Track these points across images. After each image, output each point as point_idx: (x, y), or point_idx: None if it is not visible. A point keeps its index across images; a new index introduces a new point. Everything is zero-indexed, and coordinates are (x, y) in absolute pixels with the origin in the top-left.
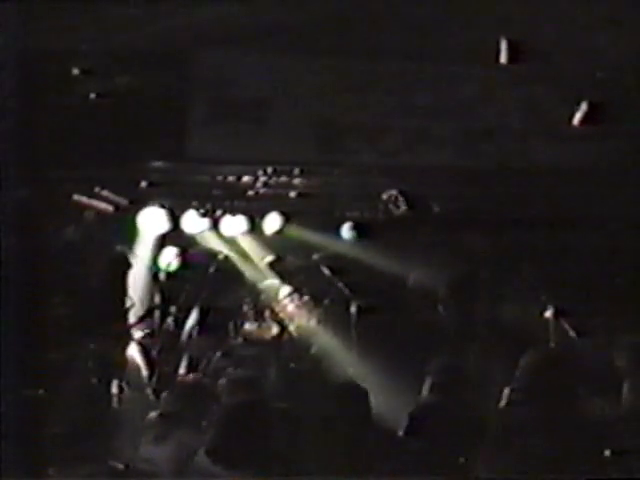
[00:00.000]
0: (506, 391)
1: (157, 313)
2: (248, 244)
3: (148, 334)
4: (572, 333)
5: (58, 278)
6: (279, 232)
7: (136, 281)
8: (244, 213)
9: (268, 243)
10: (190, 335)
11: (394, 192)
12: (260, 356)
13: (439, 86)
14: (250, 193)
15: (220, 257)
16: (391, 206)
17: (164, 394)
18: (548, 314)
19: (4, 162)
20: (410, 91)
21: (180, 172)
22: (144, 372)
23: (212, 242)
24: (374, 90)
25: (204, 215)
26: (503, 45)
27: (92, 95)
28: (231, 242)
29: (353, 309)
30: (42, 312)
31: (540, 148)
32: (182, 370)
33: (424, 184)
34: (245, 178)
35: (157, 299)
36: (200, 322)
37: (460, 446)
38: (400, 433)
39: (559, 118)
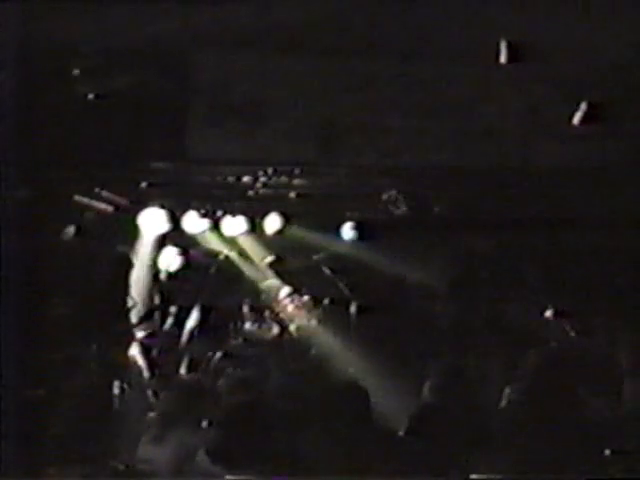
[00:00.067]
0: (506, 391)
1: (157, 313)
2: (248, 244)
3: (150, 334)
4: (572, 333)
5: (58, 278)
6: (279, 232)
7: (137, 281)
8: (244, 213)
9: (268, 243)
10: (190, 335)
11: (394, 192)
12: (260, 356)
13: (439, 86)
14: (250, 193)
15: (220, 257)
16: (391, 206)
17: (164, 394)
18: (548, 314)
19: (4, 162)
20: (410, 91)
21: (180, 172)
22: (145, 372)
23: (212, 242)
24: (374, 90)
25: (204, 215)
26: (503, 45)
27: (92, 95)
28: (231, 242)
29: (353, 309)
30: (42, 312)
31: (540, 148)
32: (182, 370)
33: (424, 184)
34: (245, 178)
35: (157, 299)
36: (200, 322)
37: (460, 446)
38: (400, 433)
39: (559, 118)
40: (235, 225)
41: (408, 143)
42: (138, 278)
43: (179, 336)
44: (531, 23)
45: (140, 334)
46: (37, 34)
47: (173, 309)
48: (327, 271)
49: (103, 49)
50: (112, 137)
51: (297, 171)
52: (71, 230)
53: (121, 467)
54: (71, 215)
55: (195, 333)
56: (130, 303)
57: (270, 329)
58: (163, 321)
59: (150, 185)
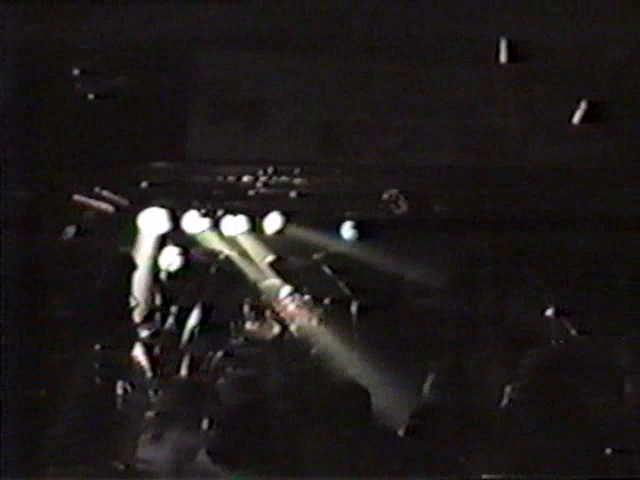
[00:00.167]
0: (507, 390)
1: (158, 313)
2: (249, 244)
3: (153, 333)
4: (573, 332)
5: (58, 278)
6: (280, 232)
7: (139, 281)
8: (244, 213)
9: (269, 243)
10: (191, 335)
11: (394, 192)
12: (261, 356)
13: (439, 86)
14: (250, 193)
15: (221, 257)
16: (391, 206)
17: (165, 394)
18: (549, 313)
19: (4, 162)
20: (410, 91)
21: (180, 172)
22: (148, 372)
23: (213, 242)
24: (374, 90)
25: (205, 215)
26: (503, 45)
27: (92, 95)
28: (232, 242)
29: (354, 309)
30: (42, 312)
31: (540, 148)
32: (183, 370)
33: (424, 184)
34: (245, 178)
35: (158, 299)
36: (201, 322)
37: (460, 446)
38: (400, 433)
39: (559, 118)
40: (235, 225)
41: (408, 143)
42: (140, 278)
43: (180, 336)
44: (531, 23)
45: (144, 333)
46: (37, 34)
47: (174, 309)
48: (327, 271)
49: (103, 49)
50: (112, 137)
51: (297, 171)
52: (71, 230)
53: (121, 467)
54: (71, 215)
55: (196, 333)
56: (133, 303)
57: (271, 329)
58: (164, 321)
59: (150, 185)
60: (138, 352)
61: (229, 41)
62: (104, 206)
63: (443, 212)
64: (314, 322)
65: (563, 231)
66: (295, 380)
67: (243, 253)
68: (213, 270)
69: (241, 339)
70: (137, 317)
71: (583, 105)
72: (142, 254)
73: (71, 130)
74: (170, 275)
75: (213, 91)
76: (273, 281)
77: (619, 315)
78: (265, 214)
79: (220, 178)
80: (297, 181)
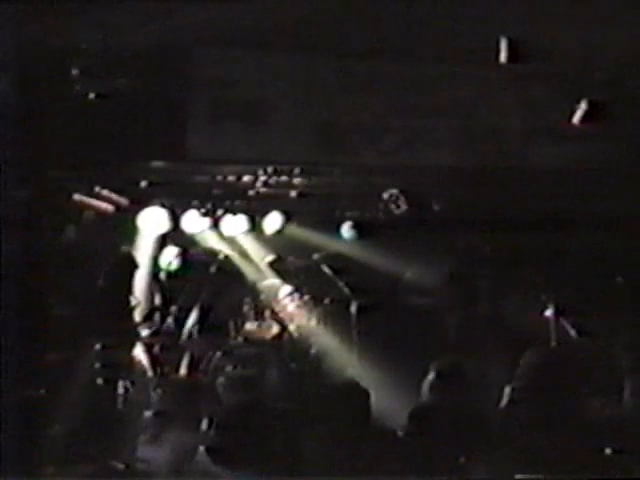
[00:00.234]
0: (507, 391)
1: (158, 313)
2: (248, 244)
3: (154, 333)
4: (572, 333)
5: (58, 278)
6: (279, 232)
7: (140, 280)
8: (244, 213)
9: (268, 243)
10: (190, 334)
11: (394, 192)
12: (260, 356)
13: (439, 86)
14: (250, 193)
15: (220, 257)
16: (391, 206)
17: (164, 394)
18: (548, 313)
19: (4, 162)
20: (410, 91)
21: (180, 172)
22: (149, 372)
23: (212, 242)
24: (374, 90)
25: (205, 215)
26: (503, 45)
27: (92, 95)
28: (231, 242)
29: (353, 309)
30: (42, 312)
31: (540, 148)
32: (182, 370)
33: (424, 184)
34: (245, 178)
35: (158, 299)
36: (200, 321)
37: (460, 446)
38: (400, 433)
39: (559, 118)
40: (235, 224)
41: (408, 143)
42: (141, 277)
43: (179, 336)
44: (531, 23)
45: (145, 332)
46: (37, 34)
47: (173, 308)
48: (327, 270)
49: (103, 49)
50: (112, 137)
51: (297, 171)
52: (71, 230)
53: (121, 467)
54: (71, 215)
55: (195, 332)
56: (134, 302)
57: (270, 328)
58: (163, 321)
59: (150, 184)
60: (139, 351)
61: (229, 41)
62: (104, 206)
63: (443, 212)
64: (313, 322)
65: (563, 231)
66: (294, 380)
67: (243, 253)
68: (213, 270)
69: (240, 339)
70: (138, 316)
71: (583, 105)
72: (142, 253)
73: (71, 130)
74: (170, 275)
75: (213, 91)
76: (273, 281)
77: (619, 316)
78: (265, 214)
79: (220, 178)
80: (297, 181)
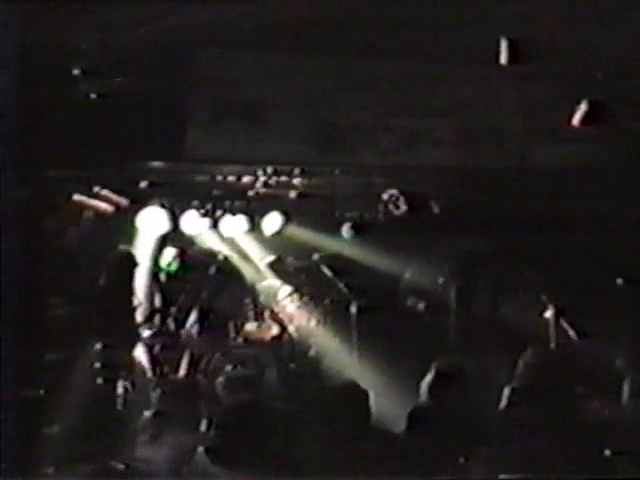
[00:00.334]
0: (506, 391)
1: (158, 313)
2: (248, 244)
3: (155, 333)
4: (572, 333)
5: (58, 278)
6: (279, 232)
7: (139, 281)
8: (244, 213)
9: (268, 243)
10: (190, 335)
11: (394, 192)
12: (260, 356)
13: (439, 86)
14: (250, 193)
15: (220, 257)
16: (391, 206)
17: (164, 394)
18: (548, 314)
19: (4, 162)
20: (410, 91)
21: (180, 172)
22: (149, 373)
23: (212, 242)
24: (374, 90)
25: (204, 215)
26: (503, 45)
27: (92, 95)
28: (231, 242)
29: (353, 309)
30: (42, 312)
31: (540, 148)
32: (182, 370)
33: (424, 184)
34: (245, 178)
35: (157, 299)
36: (200, 322)
37: (460, 446)
38: (399, 433)
39: (559, 118)
40: (235, 225)
41: (408, 143)
42: (141, 277)
43: (179, 336)
44: (531, 23)
45: (146, 333)
46: (38, 34)
47: (173, 309)
48: (327, 271)
49: (103, 49)
50: (112, 137)
51: (297, 171)
52: (71, 230)
53: (121, 467)
54: (71, 215)
55: (194, 333)
56: (136, 302)
57: (270, 329)
58: (163, 321)
59: (150, 185)
60: (139, 352)
61: (229, 41)
62: (104, 206)
63: (442, 212)
64: (313, 322)
65: (563, 231)
66: (294, 380)
67: (242, 253)
68: (212, 270)
69: (240, 339)
70: (139, 317)
71: (583, 105)
72: (141, 254)
73: (71, 130)
74: (169, 275)
75: (213, 91)
76: (272, 281)
77: (619, 316)
78: (265, 214)
79: (220, 178)
80: (297, 181)
